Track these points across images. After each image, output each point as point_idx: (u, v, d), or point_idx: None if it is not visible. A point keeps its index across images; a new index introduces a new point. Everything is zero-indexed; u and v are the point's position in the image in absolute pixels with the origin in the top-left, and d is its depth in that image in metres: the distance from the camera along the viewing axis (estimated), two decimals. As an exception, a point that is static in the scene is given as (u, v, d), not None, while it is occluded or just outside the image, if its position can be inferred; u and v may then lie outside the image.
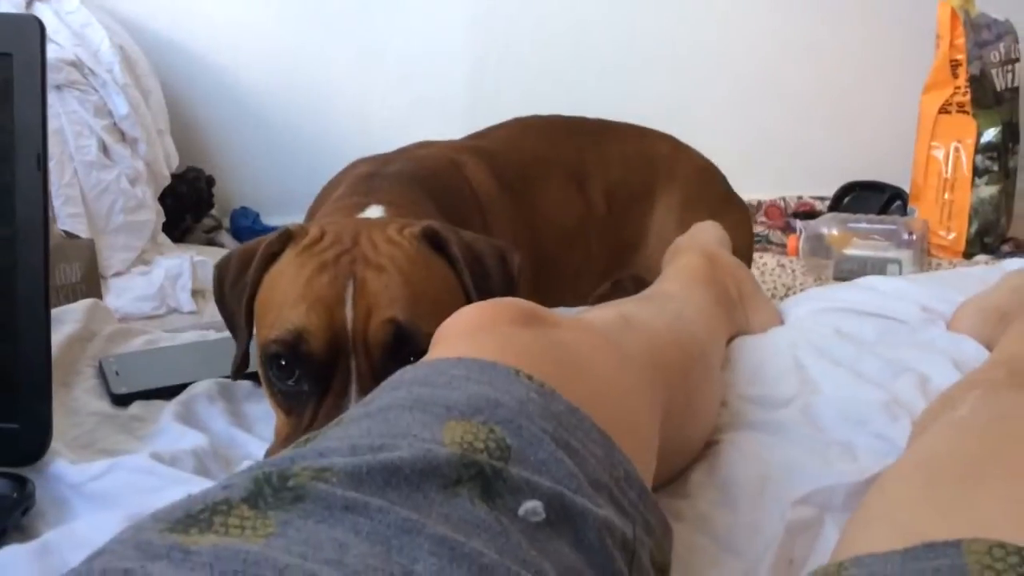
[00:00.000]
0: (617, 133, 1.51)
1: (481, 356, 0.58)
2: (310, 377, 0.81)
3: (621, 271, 1.47)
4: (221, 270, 0.93)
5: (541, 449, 0.52)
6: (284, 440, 0.81)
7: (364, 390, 0.79)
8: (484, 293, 0.88)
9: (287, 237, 0.88)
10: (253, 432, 0.87)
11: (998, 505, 0.48)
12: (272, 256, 0.88)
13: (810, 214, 2.69)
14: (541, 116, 1.49)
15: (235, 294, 0.90)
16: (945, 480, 0.53)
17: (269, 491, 0.44)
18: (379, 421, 0.52)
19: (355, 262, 0.83)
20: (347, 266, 0.83)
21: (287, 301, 0.83)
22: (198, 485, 0.72)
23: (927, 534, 0.46)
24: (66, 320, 1.02)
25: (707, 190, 1.53)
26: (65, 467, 0.75)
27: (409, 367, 0.60)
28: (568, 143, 1.43)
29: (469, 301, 0.87)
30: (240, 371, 0.92)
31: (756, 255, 2.32)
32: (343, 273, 0.82)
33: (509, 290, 0.92)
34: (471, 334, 0.63)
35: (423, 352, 0.73)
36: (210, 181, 2.49)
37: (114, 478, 0.75)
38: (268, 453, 0.82)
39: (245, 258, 0.90)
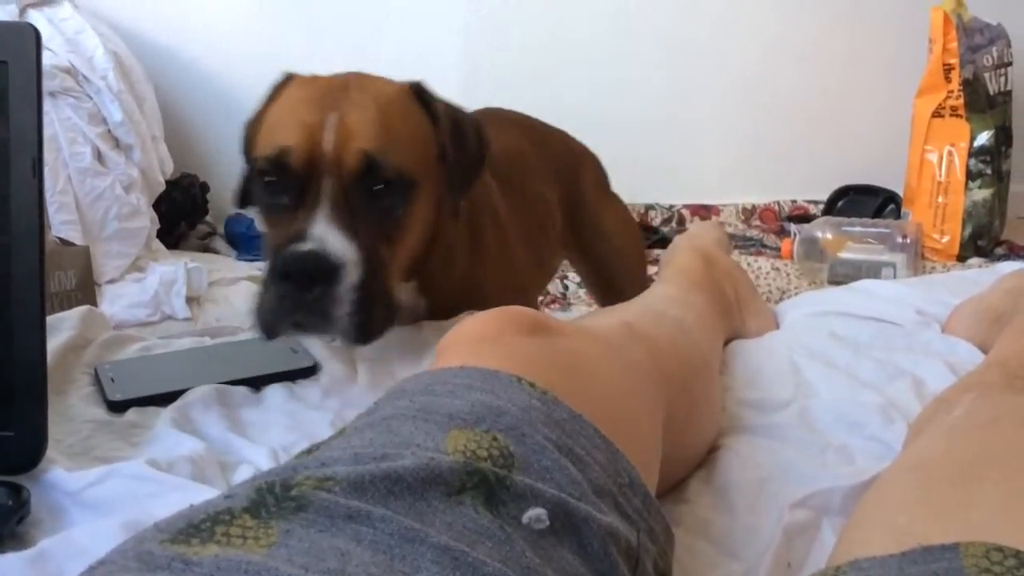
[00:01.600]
0: (545, 127, 1.59)
1: (484, 365, 0.58)
2: (290, 191, 0.93)
3: (567, 254, 1.59)
4: (250, 122, 1.06)
5: (544, 456, 0.52)
6: (274, 249, 0.91)
7: (333, 206, 0.90)
8: (458, 154, 1.02)
9: (289, 78, 1.04)
10: (249, 438, 0.86)
11: (994, 508, 0.49)
12: (274, 97, 1.02)
13: (804, 218, 2.70)
14: (497, 110, 1.53)
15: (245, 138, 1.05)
16: (941, 483, 0.53)
17: (271, 500, 0.44)
18: (382, 431, 0.52)
19: (340, 100, 0.95)
20: (333, 102, 0.94)
21: (277, 126, 0.96)
22: (195, 491, 0.73)
23: (924, 537, 0.46)
24: (61, 327, 1.02)
25: (603, 175, 1.66)
26: (61, 475, 0.75)
27: (412, 376, 0.60)
28: (524, 136, 1.48)
29: (443, 157, 1.01)
30: (241, 203, 1.07)
31: (751, 258, 2.33)
32: (328, 107, 0.94)
33: (480, 159, 1.06)
34: (475, 343, 0.63)
35: (391, 180, 0.93)
36: (204, 187, 2.49)
37: (110, 485, 0.74)
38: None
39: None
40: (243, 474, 0.79)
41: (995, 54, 2.51)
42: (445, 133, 1.00)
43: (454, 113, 1.03)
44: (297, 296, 0.89)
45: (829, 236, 2.32)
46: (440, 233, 1.06)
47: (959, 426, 0.63)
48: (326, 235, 0.89)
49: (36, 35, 0.75)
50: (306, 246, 0.88)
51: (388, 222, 0.95)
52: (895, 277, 2.20)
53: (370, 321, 0.93)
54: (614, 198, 1.67)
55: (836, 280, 2.20)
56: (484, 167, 1.08)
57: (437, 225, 1.04)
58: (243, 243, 2.48)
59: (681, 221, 2.74)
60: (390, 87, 1.00)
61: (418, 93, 1.01)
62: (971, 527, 0.46)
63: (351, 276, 0.89)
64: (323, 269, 0.88)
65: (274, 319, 0.92)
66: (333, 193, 0.91)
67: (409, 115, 0.99)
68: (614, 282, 1.61)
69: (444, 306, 1.09)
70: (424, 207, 0.99)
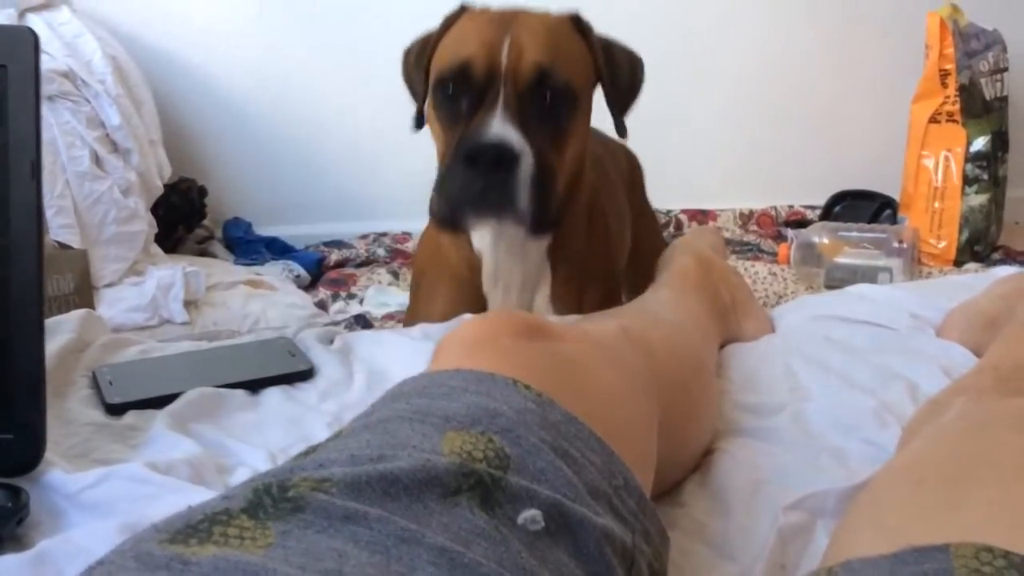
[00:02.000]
0: (607, 138, 1.59)
1: (480, 367, 0.59)
2: (470, 98, 1.06)
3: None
4: (407, 51, 1.23)
5: (540, 458, 0.52)
6: (453, 144, 1.05)
7: (509, 107, 1.04)
8: (613, 79, 1.16)
9: (462, 9, 1.17)
10: (247, 440, 0.87)
11: (984, 509, 0.49)
12: (449, 25, 1.15)
13: (801, 223, 2.70)
14: None
15: (418, 63, 1.18)
16: (932, 485, 0.54)
17: (269, 501, 0.44)
18: (378, 432, 0.52)
19: (512, 23, 1.09)
20: (507, 24, 1.09)
21: (459, 43, 1.10)
22: (192, 493, 0.73)
23: (915, 538, 0.47)
24: (60, 331, 1.02)
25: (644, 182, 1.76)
26: (60, 477, 0.75)
27: (408, 379, 0.61)
28: (601, 149, 1.52)
29: (600, 79, 1.15)
30: (419, 124, 1.20)
31: (748, 263, 2.33)
32: (503, 28, 1.08)
33: (634, 86, 1.21)
34: (471, 347, 0.63)
35: (559, 90, 1.07)
36: (202, 191, 2.49)
37: (109, 487, 0.75)
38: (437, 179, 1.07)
39: (424, 38, 1.19)
40: (241, 476, 0.79)
41: (991, 60, 2.52)
42: (601, 59, 1.14)
43: (609, 44, 1.19)
44: (481, 179, 1.01)
45: (826, 241, 2.33)
46: (583, 171, 1.19)
47: (951, 429, 0.64)
48: (505, 130, 1.02)
49: (34, 39, 0.76)
50: (489, 136, 1.01)
51: (555, 129, 1.07)
52: (891, 282, 2.20)
53: (545, 209, 1.05)
54: (649, 204, 1.75)
55: (833, 285, 2.20)
56: (638, 94, 1.22)
57: (583, 159, 1.18)
58: (241, 247, 2.48)
59: (679, 226, 2.74)
60: (554, 17, 1.14)
61: (577, 23, 1.15)
62: (961, 528, 0.47)
63: (528, 165, 1.02)
64: (506, 155, 1.00)
65: (456, 203, 1.05)
66: (509, 98, 1.04)
67: (572, 39, 1.14)
68: (642, 286, 1.63)
69: (564, 278, 1.22)
70: (583, 121, 1.14)
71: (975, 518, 0.48)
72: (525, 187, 1.02)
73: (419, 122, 1.20)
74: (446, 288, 1.25)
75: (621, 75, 1.18)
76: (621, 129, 1.21)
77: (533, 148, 1.03)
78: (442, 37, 1.15)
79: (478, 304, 1.21)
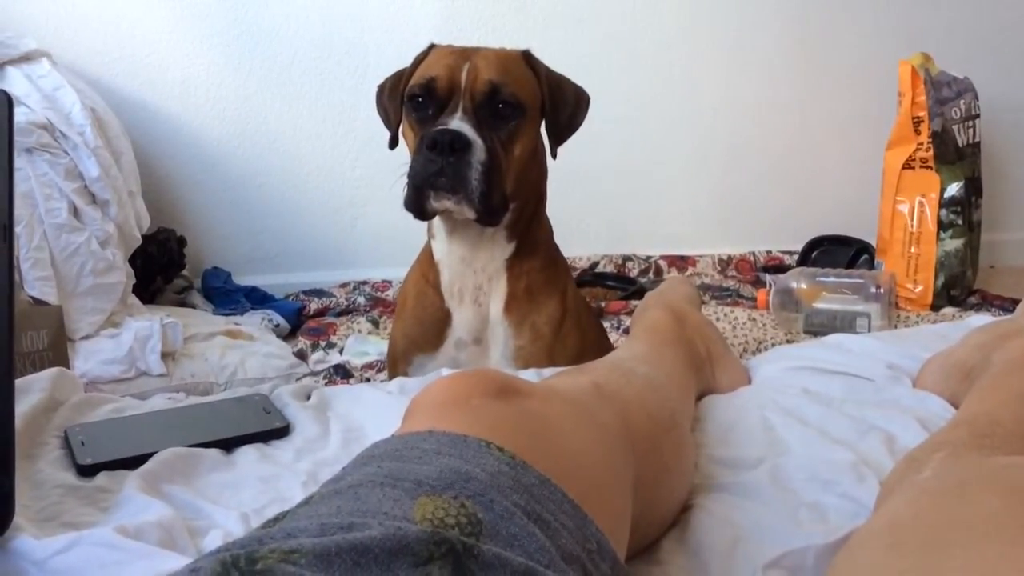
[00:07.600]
0: None
1: (452, 429, 0.58)
2: (434, 107, 1.29)
3: None
4: (381, 86, 1.45)
5: (512, 523, 0.51)
6: (419, 138, 1.27)
7: (466, 111, 1.27)
8: (556, 106, 1.37)
9: (431, 47, 1.39)
10: (220, 501, 0.86)
11: (960, 573, 0.49)
12: (419, 61, 1.38)
13: (779, 268, 2.71)
14: None
15: (392, 93, 1.40)
16: (910, 548, 0.54)
17: (236, 574, 0.43)
18: (349, 499, 0.51)
19: (472, 54, 1.32)
20: (467, 54, 1.32)
21: (427, 68, 1.33)
22: (163, 559, 0.72)
23: None
24: (32, 389, 1.01)
25: None
26: (28, 542, 0.74)
27: (380, 441, 0.60)
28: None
29: (543, 112, 1.36)
30: (393, 144, 1.42)
31: (727, 308, 2.34)
32: (464, 57, 1.31)
33: (575, 115, 1.40)
34: (443, 407, 0.63)
35: (508, 103, 1.29)
36: (181, 241, 2.48)
37: (78, 553, 0.73)
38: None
39: (398, 72, 1.42)
40: (213, 539, 0.78)
41: (963, 107, 2.56)
42: (546, 87, 1.36)
43: (559, 77, 1.40)
44: (439, 161, 1.22)
45: (804, 286, 2.34)
46: (537, 179, 1.40)
47: (928, 489, 0.63)
48: (461, 125, 1.24)
49: (8, 101, 0.75)
50: (448, 126, 1.23)
51: (504, 133, 1.29)
52: (869, 327, 2.21)
53: (492, 195, 1.25)
54: None
55: (812, 330, 2.21)
56: (578, 126, 1.41)
57: (535, 169, 1.38)
58: (220, 297, 2.47)
59: (658, 272, 2.75)
60: (507, 51, 1.37)
61: (527, 58, 1.38)
62: None
63: (479, 152, 1.23)
64: (459, 140, 1.22)
65: (418, 184, 1.25)
66: (467, 107, 1.27)
67: (521, 68, 1.36)
68: None
69: (521, 293, 1.39)
70: (529, 133, 1.34)
71: None
72: (476, 171, 1.22)
73: (393, 143, 1.42)
74: (412, 305, 1.45)
75: (565, 104, 1.38)
76: (553, 152, 1.40)
77: (484, 143, 1.24)
78: (415, 69, 1.38)
79: (440, 316, 1.41)
